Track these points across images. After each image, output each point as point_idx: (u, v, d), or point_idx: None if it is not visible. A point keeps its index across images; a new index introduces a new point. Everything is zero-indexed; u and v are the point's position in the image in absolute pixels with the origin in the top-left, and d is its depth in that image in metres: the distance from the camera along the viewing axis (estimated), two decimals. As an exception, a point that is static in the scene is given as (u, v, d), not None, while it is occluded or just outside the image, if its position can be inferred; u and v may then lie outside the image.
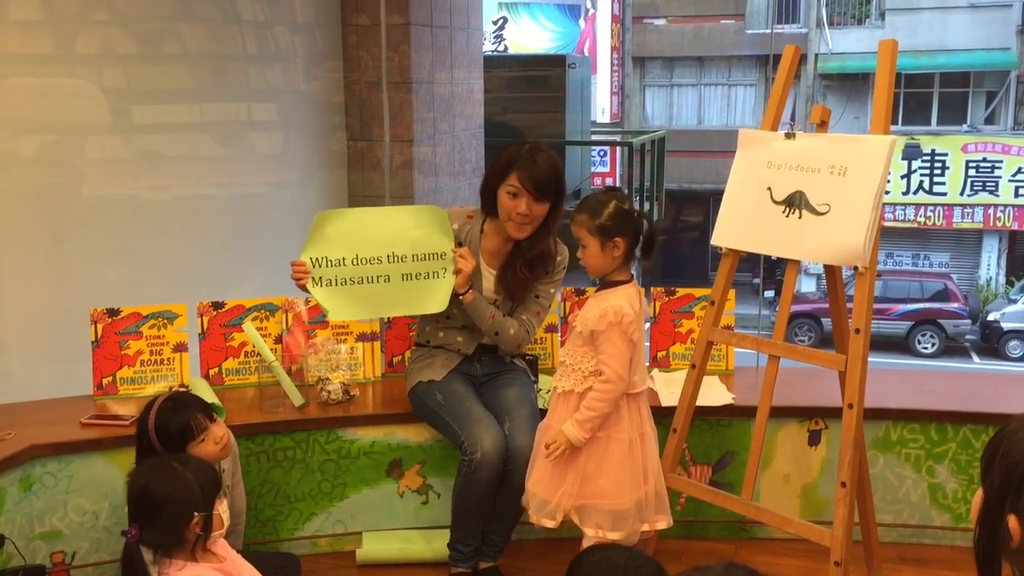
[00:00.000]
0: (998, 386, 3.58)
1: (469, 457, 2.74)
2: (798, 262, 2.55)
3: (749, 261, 2.83)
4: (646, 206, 9.97)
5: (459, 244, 2.95)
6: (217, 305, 3.28)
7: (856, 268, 2.38)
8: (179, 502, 2.14)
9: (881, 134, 2.38)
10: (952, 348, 16.34)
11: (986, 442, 3.15)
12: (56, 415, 3.05)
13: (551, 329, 3.42)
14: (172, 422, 2.46)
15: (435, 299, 2.92)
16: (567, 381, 2.66)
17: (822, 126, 2.53)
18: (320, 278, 2.87)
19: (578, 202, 2.70)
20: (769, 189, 2.55)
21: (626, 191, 9.36)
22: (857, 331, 2.38)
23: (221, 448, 2.52)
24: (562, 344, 3.15)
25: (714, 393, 3.17)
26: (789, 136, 2.54)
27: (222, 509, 2.21)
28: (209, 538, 2.19)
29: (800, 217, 2.47)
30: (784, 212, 2.50)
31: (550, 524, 2.67)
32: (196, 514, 2.13)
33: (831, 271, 2.63)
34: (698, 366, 2.68)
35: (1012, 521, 1.30)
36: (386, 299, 2.94)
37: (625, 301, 2.60)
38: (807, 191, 2.46)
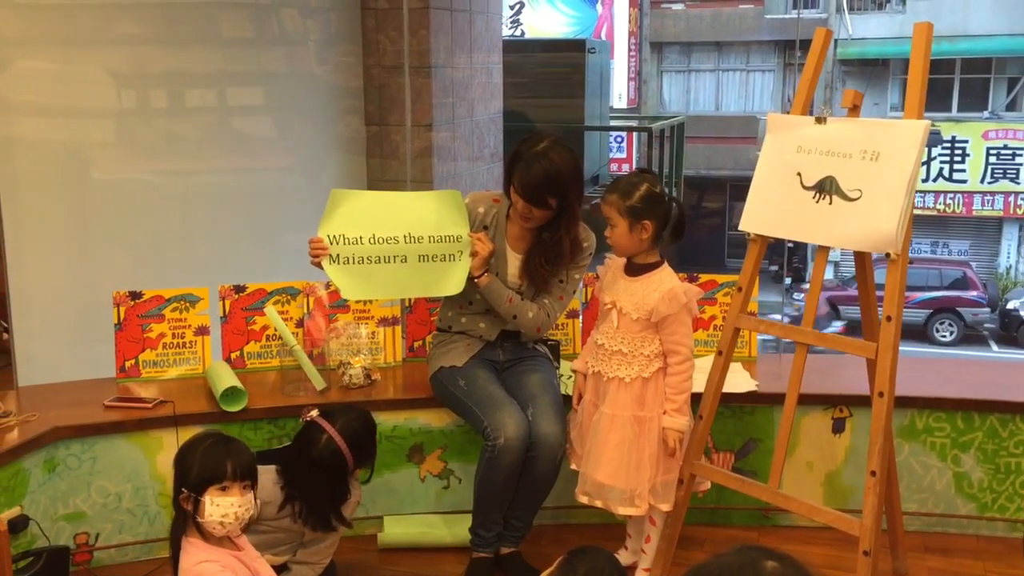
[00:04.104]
0: (1023, 375, 3.54)
1: (492, 442, 2.73)
2: (827, 248, 2.51)
3: (768, 248, 2.79)
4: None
5: (484, 228, 2.93)
6: (239, 289, 3.28)
7: (888, 255, 2.35)
8: (177, 470, 2.26)
9: (915, 119, 2.34)
10: (970, 337, 16.22)
11: (1013, 431, 3.12)
12: (79, 397, 3.06)
13: (572, 315, 3.40)
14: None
15: (451, 282, 2.90)
16: (630, 369, 2.66)
17: (854, 110, 2.49)
18: (337, 256, 2.85)
19: (603, 186, 2.69)
20: (799, 174, 2.51)
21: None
22: (889, 319, 2.34)
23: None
24: (587, 333, 3.14)
25: (737, 380, 3.15)
26: (820, 121, 2.50)
27: (215, 502, 2.20)
28: (194, 519, 2.22)
29: (831, 203, 2.44)
30: (814, 197, 2.47)
31: (635, 512, 2.69)
32: (184, 489, 2.22)
33: (861, 258, 2.60)
34: (725, 352, 2.65)
35: None
36: (402, 280, 2.92)
37: (678, 280, 2.67)
38: (838, 176, 2.43)
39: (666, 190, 2.74)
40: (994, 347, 16.07)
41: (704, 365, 2.81)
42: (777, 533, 3.17)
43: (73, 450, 2.87)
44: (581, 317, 3.41)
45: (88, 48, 3.95)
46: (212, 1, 4.35)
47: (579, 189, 2.84)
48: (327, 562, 2.72)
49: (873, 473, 2.34)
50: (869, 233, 2.37)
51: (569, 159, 2.78)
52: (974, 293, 16.35)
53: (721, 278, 3.39)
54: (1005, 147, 17.58)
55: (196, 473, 2.21)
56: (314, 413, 2.62)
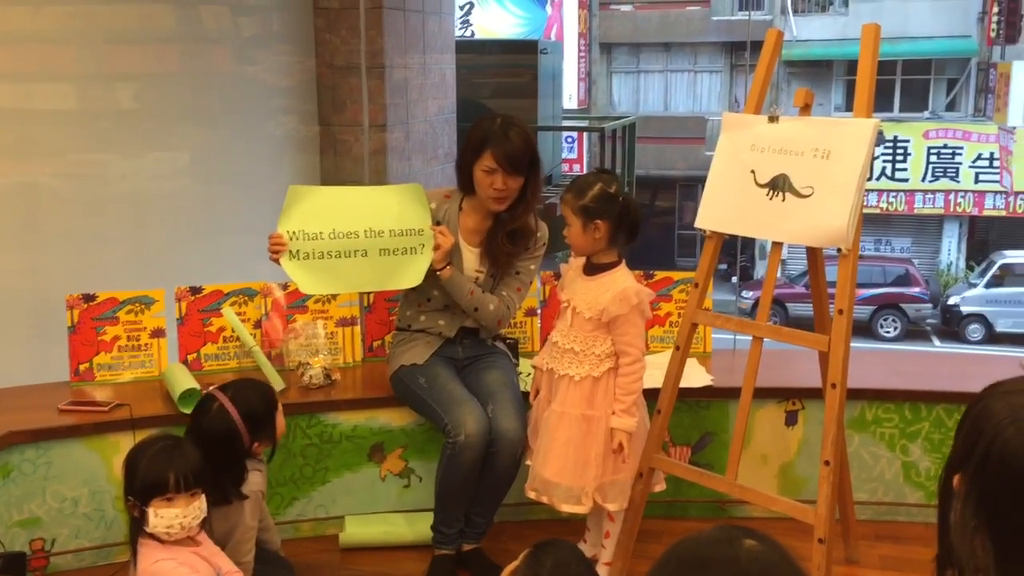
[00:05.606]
0: (967, 367, 3.65)
1: (453, 440, 2.74)
2: (781, 245, 2.57)
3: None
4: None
5: (437, 223, 2.95)
6: (195, 290, 3.25)
7: (839, 250, 2.41)
8: (124, 475, 2.28)
9: (864, 117, 2.41)
10: (913, 332, 16.58)
11: (959, 421, 3.21)
12: (33, 401, 3.01)
13: (530, 313, 3.43)
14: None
15: (411, 274, 2.91)
16: (580, 368, 2.68)
17: (805, 109, 2.55)
18: (297, 251, 2.85)
19: (556, 185, 2.74)
20: (753, 172, 2.57)
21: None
22: (840, 312, 2.41)
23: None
24: (546, 332, 3.16)
25: (693, 375, 3.20)
26: (773, 120, 2.56)
27: (159, 514, 2.21)
28: (141, 526, 2.24)
29: (784, 200, 2.50)
30: (768, 195, 2.53)
31: (580, 510, 2.72)
32: (130, 498, 2.23)
33: (813, 253, 2.66)
34: (682, 347, 2.70)
35: (956, 480, 1.35)
36: (362, 274, 2.92)
37: (633, 281, 2.68)
38: (791, 174, 2.49)
39: (623, 190, 2.77)
40: (936, 342, 16.45)
41: (660, 361, 2.85)
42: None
43: (27, 455, 2.83)
44: (540, 315, 3.44)
45: (48, 46, 3.88)
46: None
47: (540, 164, 2.90)
48: (251, 557, 2.60)
49: (827, 462, 2.40)
50: (821, 229, 2.43)
51: (527, 127, 2.93)
52: (916, 289, 16.73)
53: (676, 275, 3.45)
54: (945, 146, 18.02)
55: (140, 483, 2.21)
56: (213, 387, 2.62)
